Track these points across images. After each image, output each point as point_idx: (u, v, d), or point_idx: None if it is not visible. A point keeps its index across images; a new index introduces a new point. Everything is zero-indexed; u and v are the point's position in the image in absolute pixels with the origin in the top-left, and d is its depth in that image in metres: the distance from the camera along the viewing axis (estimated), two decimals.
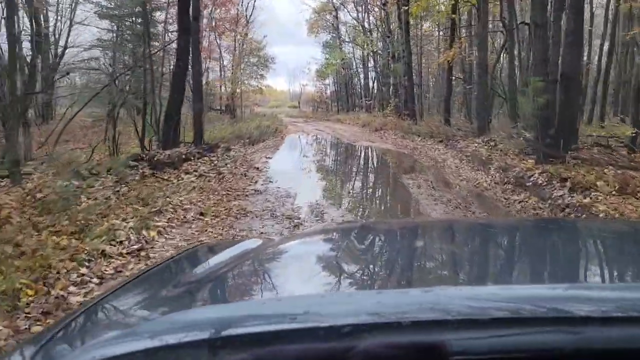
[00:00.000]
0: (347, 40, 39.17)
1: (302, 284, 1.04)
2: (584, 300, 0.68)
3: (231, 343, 0.63)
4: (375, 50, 33.64)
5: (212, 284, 1.12)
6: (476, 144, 12.17)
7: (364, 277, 1.11)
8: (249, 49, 34.11)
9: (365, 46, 34.89)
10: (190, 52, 11.29)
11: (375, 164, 13.79)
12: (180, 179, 9.78)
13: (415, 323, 0.63)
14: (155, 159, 9.94)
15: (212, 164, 10.60)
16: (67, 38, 25.94)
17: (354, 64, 40.09)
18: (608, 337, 0.61)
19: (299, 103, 55.59)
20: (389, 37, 25.64)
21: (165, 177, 9.73)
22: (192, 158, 10.61)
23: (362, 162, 14.84)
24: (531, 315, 0.63)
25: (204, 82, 33.36)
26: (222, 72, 31.36)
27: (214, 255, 1.34)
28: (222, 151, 13.99)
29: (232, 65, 29.59)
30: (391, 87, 27.83)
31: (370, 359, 0.58)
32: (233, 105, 28.01)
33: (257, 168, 11.22)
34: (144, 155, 9.85)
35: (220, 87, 31.16)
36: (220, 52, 30.69)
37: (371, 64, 37.24)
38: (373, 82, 37.20)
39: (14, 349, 1.17)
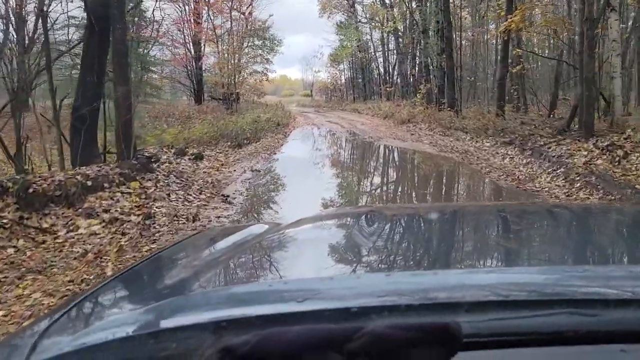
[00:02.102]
0: (363, 21, 34.27)
1: (309, 267, 1.00)
2: (600, 282, 0.67)
3: (236, 324, 0.60)
4: (396, 27, 28.73)
5: (217, 268, 1.08)
6: (585, 152, 7.47)
7: (373, 261, 1.07)
8: (252, 29, 29.52)
9: (385, 23, 29.99)
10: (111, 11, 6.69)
11: (417, 184, 9.08)
12: (72, 229, 5.31)
13: (425, 305, 0.61)
14: (31, 190, 5.46)
15: (144, 195, 6.07)
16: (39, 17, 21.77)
17: (372, 46, 35.29)
18: (623, 319, 0.60)
19: (311, 92, 51.29)
20: (419, 6, 20.72)
21: (46, 227, 5.26)
22: (110, 184, 6.10)
23: (396, 177, 10.11)
24: (545, 297, 0.62)
25: (202, 67, 29.32)
26: (220, 56, 26.79)
27: (220, 239, 1.33)
28: (187, 160, 9.50)
29: (228, 47, 24.89)
30: (419, 70, 22.96)
31: (379, 341, 0.52)
32: (229, 93, 23.39)
33: (226, 197, 6.67)
34: (10, 184, 5.36)
35: (221, 73, 26.54)
36: (216, 33, 26.06)
37: (392, 45, 32.42)
38: (394, 66, 32.37)
39: (18, 331, 1.00)
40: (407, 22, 27.01)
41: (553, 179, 7.13)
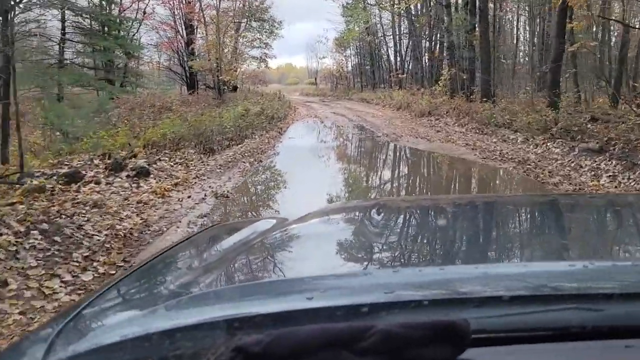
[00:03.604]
0: (372, 2, 30.73)
1: (318, 263, 0.99)
2: (605, 277, 0.66)
3: (248, 322, 0.60)
4: (409, 7, 25.27)
5: (226, 265, 1.08)
6: None
7: (381, 256, 1.06)
8: (248, 9, 26.23)
9: (397, 2, 26.53)
10: None
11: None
12: None
13: (434, 302, 0.61)
14: None
15: None
16: None
17: (381, 30, 31.87)
18: (629, 313, 0.59)
19: (315, 79, 47.93)
20: None
21: None
22: None
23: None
24: (551, 292, 0.62)
25: (195, 53, 26.05)
26: (210, 39, 23.54)
27: (228, 236, 1.31)
28: (125, 178, 6.39)
29: (215, 27, 21.57)
30: (440, 52, 19.60)
31: (389, 339, 0.53)
32: (218, 81, 20.15)
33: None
34: None
35: (208, 57, 23.24)
36: (203, 13, 22.78)
37: (404, 27, 29.01)
38: (406, 50, 28.98)
39: (34, 331, 0.96)
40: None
41: None
